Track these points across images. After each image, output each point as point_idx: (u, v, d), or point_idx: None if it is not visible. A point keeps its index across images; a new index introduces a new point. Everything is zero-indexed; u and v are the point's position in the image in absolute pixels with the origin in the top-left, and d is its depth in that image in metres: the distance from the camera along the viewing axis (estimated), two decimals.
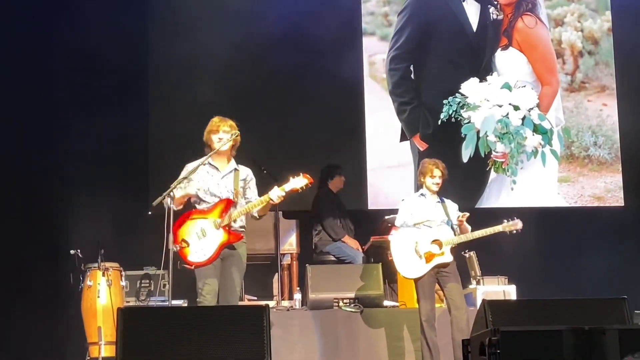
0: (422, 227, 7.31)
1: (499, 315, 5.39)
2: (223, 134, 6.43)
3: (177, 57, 9.93)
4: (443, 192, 7.71)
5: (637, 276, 9.50)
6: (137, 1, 10.01)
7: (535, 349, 4.68)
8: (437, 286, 7.38)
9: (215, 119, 6.52)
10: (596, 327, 4.68)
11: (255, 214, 6.51)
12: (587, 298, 6.17)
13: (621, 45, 10.77)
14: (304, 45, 10.07)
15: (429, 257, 7.21)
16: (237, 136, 6.50)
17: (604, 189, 10.56)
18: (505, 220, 7.28)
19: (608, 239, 9.94)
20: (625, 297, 5.42)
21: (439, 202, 7.43)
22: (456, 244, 7.27)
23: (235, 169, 6.56)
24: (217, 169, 6.49)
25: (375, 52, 10.64)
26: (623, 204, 10.51)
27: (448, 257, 7.20)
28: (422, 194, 7.45)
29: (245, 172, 6.62)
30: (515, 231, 7.29)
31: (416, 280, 7.30)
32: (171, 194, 6.25)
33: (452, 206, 7.49)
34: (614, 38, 10.81)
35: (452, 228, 7.31)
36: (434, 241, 7.22)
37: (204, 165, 6.47)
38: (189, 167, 6.49)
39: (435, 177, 7.36)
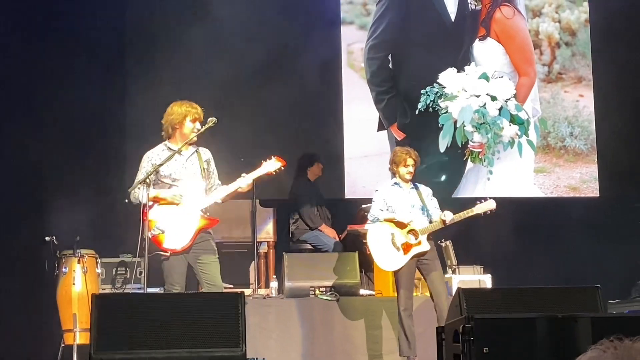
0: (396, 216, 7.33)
1: (473, 303, 5.41)
2: (199, 124, 6.39)
3: (156, 47, 9.85)
4: (417, 182, 7.73)
5: (611, 266, 9.55)
6: None
7: (508, 336, 4.70)
8: (418, 274, 7.39)
9: (186, 103, 6.44)
10: (569, 315, 4.71)
11: (219, 200, 6.45)
12: (561, 287, 6.21)
13: (598, 37, 10.81)
14: (282, 34, 10.06)
15: (407, 247, 7.20)
16: (214, 123, 6.46)
17: (580, 179, 10.61)
18: (479, 202, 7.31)
19: (583, 229, 9.98)
20: (599, 286, 5.45)
21: (412, 188, 7.43)
22: (432, 231, 7.27)
23: (197, 151, 6.50)
24: (179, 153, 6.40)
25: (354, 41, 10.63)
26: (598, 195, 10.57)
27: (425, 246, 7.20)
28: (395, 183, 7.45)
29: (207, 153, 6.57)
30: (489, 212, 7.29)
31: (395, 272, 7.31)
32: (142, 194, 6.21)
33: (426, 191, 7.50)
34: (591, 29, 10.84)
35: (428, 214, 7.31)
36: (410, 231, 7.22)
37: (164, 150, 6.41)
38: (149, 156, 6.43)
39: (408, 166, 7.37)
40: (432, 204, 7.43)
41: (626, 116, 10.49)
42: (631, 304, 9.02)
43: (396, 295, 7.33)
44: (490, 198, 7.37)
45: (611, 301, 8.92)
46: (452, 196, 10.06)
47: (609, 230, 9.92)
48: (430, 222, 7.26)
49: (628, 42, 10.61)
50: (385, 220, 7.33)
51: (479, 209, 7.27)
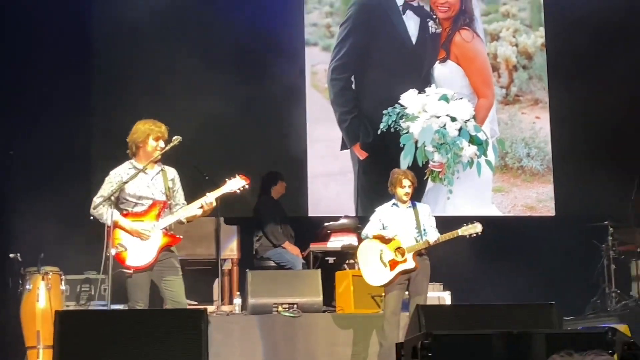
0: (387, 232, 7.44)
1: (432, 319, 5.44)
2: (163, 141, 6.36)
3: (120, 66, 9.81)
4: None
5: (567, 284, 9.64)
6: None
7: (465, 352, 4.72)
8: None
9: (149, 122, 6.42)
10: (524, 331, 4.74)
11: (184, 220, 6.41)
12: (517, 303, 6.25)
13: (554, 61, 10.93)
14: (247, 54, 10.06)
15: (393, 264, 7.34)
16: (179, 142, 6.44)
17: (536, 199, 10.69)
18: (465, 224, 7.38)
19: (539, 247, 10.07)
20: (553, 303, 5.49)
21: (409, 207, 7.52)
22: (418, 250, 7.33)
23: (162, 170, 6.47)
24: (144, 171, 6.36)
25: (318, 62, 10.66)
26: (554, 214, 10.66)
27: (411, 264, 7.29)
28: (394, 204, 7.57)
29: (172, 172, 6.53)
30: (475, 234, 7.38)
31: (385, 290, 7.42)
32: (108, 212, 6.17)
33: (423, 210, 7.61)
34: (547, 53, 10.97)
35: (423, 230, 7.39)
36: (397, 249, 7.32)
37: (130, 169, 6.36)
38: (116, 173, 6.39)
39: (404, 187, 7.48)
40: (429, 222, 7.54)
41: (581, 138, 10.60)
42: (585, 321, 9.10)
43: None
44: (476, 221, 7.45)
45: (566, 318, 8.99)
46: None
47: (564, 249, 10.00)
48: (417, 241, 7.34)
49: (582, 66, 10.73)
50: (374, 237, 7.43)
51: (464, 231, 7.37)
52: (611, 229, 9.76)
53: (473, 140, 10.48)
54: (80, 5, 9.77)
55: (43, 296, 7.53)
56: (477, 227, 7.40)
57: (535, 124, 10.85)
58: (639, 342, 5.61)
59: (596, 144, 10.51)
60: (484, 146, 10.53)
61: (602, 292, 9.73)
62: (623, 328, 7.05)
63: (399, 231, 7.42)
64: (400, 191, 7.47)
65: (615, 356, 5.29)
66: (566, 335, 5.32)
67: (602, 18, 10.38)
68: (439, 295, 8.54)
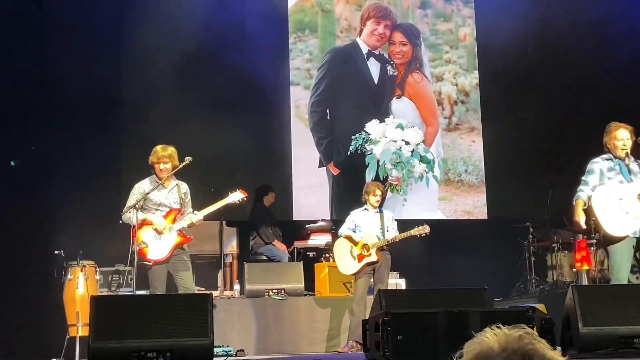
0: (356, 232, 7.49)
1: (390, 301, 5.43)
2: (163, 164, 6.37)
3: (145, 102, 9.69)
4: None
5: (497, 272, 9.64)
6: None
7: (417, 327, 4.71)
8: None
9: (158, 149, 6.43)
10: (463, 310, 4.74)
11: (196, 222, 6.43)
12: (458, 288, 6.24)
13: (485, 97, 10.96)
14: (245, 93, 10.03)
15: (360, 257, 7.36)
16: (190, 161, 6.44)
17: (472, 205, 10.70)
18: (417, 226, 7.40)
19: (475, 243, 10.05)
20: (486, 287, 5.49)
21: (377, 212, 7.53)
22: (379, 246, 7.34)
23: (177, 185, 6.49)
24: (163, 185, 6.40)
25: (300, 98, 10.63)
26: (487, 217, 10.67)
27: (374, 257, 7.34)
28: (365, 209, 7.58)
29: (185, 187, 6.56)
30: (424, 234, 7.41)
31: (354, 275, 7.44)
32: (132, 216, 6.15)
33: (388, 215, 7.65)
34: (480, 91, 11.00)
35: (386, 231, 7.41)
36: (364, 246, 7.32)
37: (152, 182, 6.42)
38: (139, 186, 6.41)
39: (376, 195, 7.54)
40: (392, 225, 7.57)
41: (508, 157, 10.63)
42: (511, 301, 9.11)
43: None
44: (427, 221, 7.51)
45: (496, 299, 8.99)
46: None
47: (495, 244, 10.02)
48: (379, 239, 7.34)
49: (507, 100, 10.75)
50: (345, 236, 7.46)
51: (416, 231, 7.41)
52: (531, 229, 9.77)
53: (423, 159, 10.49)
54: (113, 56, 9.69)
55: (81, 284, 7.43)
56: (426, 229, 7.42)
57: (472, 147, 10.87)
58: (553, 317, 5.63)
59: (519, 162, 10.53)
60: (431, 164, 10.54)
61: (525, 278, 9.74)
62: (541, 307, 7.05)
63: (368, 230, 7.42)
64: (372, 199, 7.51)
65: (535, 328, 5.28)
66: (496, 313, 5.33)
67: (522, 64, 10.46)
68: (396, 282, 8.52)
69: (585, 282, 8.87)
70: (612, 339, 4.96)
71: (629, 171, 5.98)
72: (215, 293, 8.22)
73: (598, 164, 6.05)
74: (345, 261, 7.43)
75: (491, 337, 1.69)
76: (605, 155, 6.10)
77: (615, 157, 6.03)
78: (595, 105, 10.33)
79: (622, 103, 9.69)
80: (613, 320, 5.03)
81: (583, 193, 5.98)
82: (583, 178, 6.07)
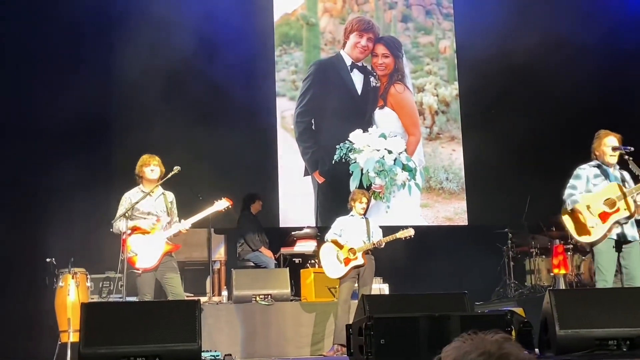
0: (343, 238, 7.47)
1: (374, 305, 5.42)
2: (153, 166, 6.38)
3: (135, 116, 9.63)
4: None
5: (476, 276, 9.66)
6: None
7: (399, 331, 4.72)
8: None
9: (145, 156, 6.46)
10: (443, 314, 4.74)
11: (184, 230, 6.40)
12: (439, 292, 6.24)
13: (465, 107, 11.02)
14: (230, 103, 10.01)
15: (347, 261, 7.35)
16: (178, 171, 6.43)
17: (453, 212, 10.74)
18: (401, 229, 7.40)
19: (456, 249, 10.09)
20: (466, 292, 5.50)
21: (363, 219, 7.52)
22: (366, 249, 7.34)
23: (163, 193, 6.48)
24: (149, 194, 6.38)
25: (286, 109, 10.64)
26: (467, 224, 10.71)
27: (360, 260, 7.33)
28: (352, 215, 7.58)
29: (171, 196, 6.56)
30: (409, 237, 7.42)
31: (340, 282, 7.41)
32: (122, 225, 6.12)
33: (373, 223, 7.65)
34: (460, 101, 11.06)
35: (372, 236, 7.41)
36: (350, 249, 7.31)
37: (138, 192, 6.40)
38: (127, 196, 6.41)
39: (362, 202, 7.52)
40: (377, 232, 7.56)
41: (487, 166, 10.66)
42: (491, 305, 9.13)
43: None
44: (410, 227, 7.50)
45: (477, 303, 9.01)
46: None
47: (475, 250, 10.03)
48: (365, 243, 7.35)
49: (486, 111, 10.82)
50: (332, 241, 7.46)
51: (401, 234, 7.42)
52: (510, 235, 9.83)
53: (405, 168, 10.52)
54: (104, 70, 9.66)
55: (73, 291, 7.40)
56: (411, 231, 7.43)
57: (452, 155, 10.92)
58: (532, 320, 5.66)
59: (498, 170, 10.57)
60: (413, 172, 10.57)
61: (504, 283, 9.78)
62: (519, 310, 7.09)
63: (354, 236, 7.42)
64: (358, 206, 7.51)
65: (513, 332, 5.31)
66: (476, 317, 5.34)
67: (501, 75, 10.52)
68: (380, 287, 8.53)
69: (562, 286, 8.92)
70: (588, 341, 4.98)
71: (615, 179, 6.01)
72: (203, 299, 8.20)
73: (584, 171, 6.07)
74: (332, 265, 7.41)
75: (468, 341, 1.70)
76: (592, 162, 6.10)
77: (603, 164, 6.04)
78: (571, 116, 10.42)
79: (597, 114, 9.77)
80: (589, 323, 5.05)
81: (576, 197, 5.97)
82: (571, 183, 6.04)
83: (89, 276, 7.75)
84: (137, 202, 6.25)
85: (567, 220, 6.04)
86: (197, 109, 9.83)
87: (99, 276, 8.13)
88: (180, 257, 6.71)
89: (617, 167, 6.08)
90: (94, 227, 8.47)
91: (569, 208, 5.94)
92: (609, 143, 6.02)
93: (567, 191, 6.02)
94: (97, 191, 9.14)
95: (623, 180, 6.02)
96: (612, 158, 6.00)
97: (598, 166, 6.06)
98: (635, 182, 5.92)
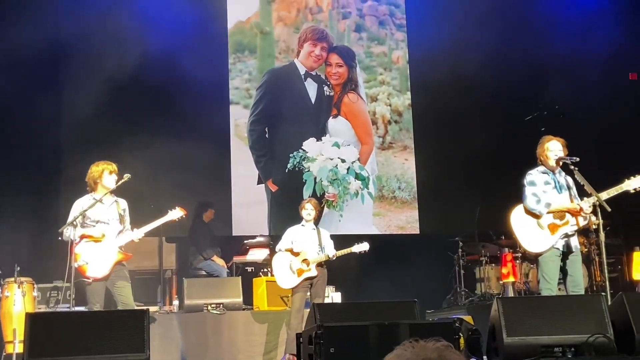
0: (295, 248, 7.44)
1: (325, 314, 5.40)
2: (115, 175, 6.29)
3: (84, 104, 9.46)
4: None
5: (428, 285, 9.74)
6: None
7: (349, 339, 4.72)
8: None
9: (103, 162, 6.36)
10: (393, 322, 4.77)
11: (136, 240, 6.36)
12: (389, 301, 6.27)
13: (418, 117, 11.13)
14: (184, 113, 9.94)
15: (300, 272, 7.33)
16: (129, 178, 6.36)
17: (405, 221, 10.83)
18: (356, 243, 7.43)
19: (408, 257, 10.15)
20: (416, 300, 5.53)
21: (314, 229, 7.54)
22: (319, 261, 7.34)
23: (116, 201, 6.39)
24: (101, 201, 6.28)
25: (240, 117, 10.61)
26: (419, 232, 10.80)
27: (314, 272, 7.33)
28: (302, 225, 7.56)
29: (124, 203, 6.47)
30: (364, 251, 7.44)
31: (293, 292, 7.39)
32: (73, 233, 6.01)
33: (324, 232, 7.65)
34: (412, 111, 11.17)
35: (323, 249, 7.38)
36: (304, 260, 7.31)
37: (90, 200, 6.29)
38: (78, 203, 6.29)
39: (307, 209, 7.52)
40: (329, 243, 7.54)
41: (438, 175, 10.79)
42: (441, 313, 9.22)
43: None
44: (363, 237, 7.53)
45: (428, 311, 9.09)
46: None
47: (427, 258, 10.12)
48: (319, 254, 7.36)
49: (438, 121, 10.94)
50: (286, 250, 7.42)
51: (356, 248, 7.45)
52: (461, 243, 9.94)
53: (358, 176, 10.58)
54: (52, 78, 9.49)
55: (19, 301, 7.23)
56: (366, 246, 7.48)
57: (404, 165, 11.02)
58: (481, 328, 5.73)
59: (449, 180, 10.68)
60: (366, 181, 10.64)
61: (455, 291, 9.87)
62: (468, 318, 7.17)
63: (305, 246, 7.42)
64: (303, 212, 7.53)
65: (462, 339, 5.37)
66: (424, 325, 5.39)
67: (452, 86, 10.66)
68: (332, 295, 8.54)
69: (511, 293, 9.06)
70: (535, 348, 5.06)
71: (562, 186, 6.14)
72: (154, 308, 8.09)
73: (535, 176, 6.16)
74: (285, 275, 7.40)
75: (409, 349, 1.72)
76: (540, 168, 6.20)
77: (549, 169, 6.16)
78: (520, 126, 10.62)
79: (545, 124, 9.97)
80: (535, 330, 5.13)
81: (541, 201, 6.04)
82: (531, 190, 6.07)
83: (35, 285, 7.58)
84: (87, 210, 6.15)
85: (517, 229, 6.14)
86: (149, 117, 9.73)
87: (46, 285, 7.95)
88: (130, 266, 6.61)
89: (562, 172, 6.22)
90: (41, 235, 8.32)
91: (543, 212, 6.01)
92: (552, 148, 6.15)
93: (531, 199, 6.06)
94: (44, 198, 8.99)
95: (568, 187, 6.16)
96: (554, 161, 6.12)
97: (545, 172, 6.18)
98: (581, 189, 6.08)
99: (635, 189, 5.97)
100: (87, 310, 6.12)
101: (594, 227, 6.09)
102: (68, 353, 4.82)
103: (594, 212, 5.98)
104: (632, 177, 5.99)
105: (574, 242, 6.08)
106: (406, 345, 1.77)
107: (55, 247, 7.46)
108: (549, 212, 6.03)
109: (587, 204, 5.94)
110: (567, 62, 10.53)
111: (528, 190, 6.11)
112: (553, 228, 6.01)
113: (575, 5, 11.02)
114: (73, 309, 6.42)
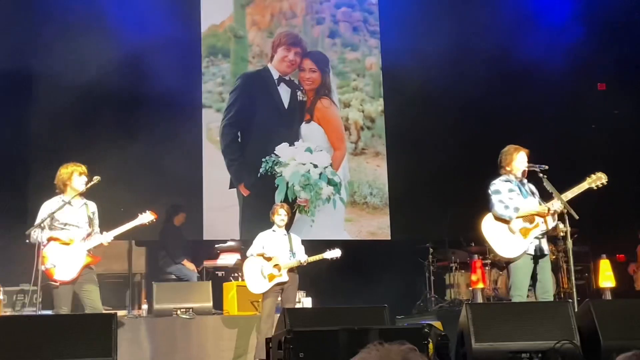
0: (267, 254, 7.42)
1: (295, 319, 5.41)
2: (84, 176, 6.23)
3: (54, 106, 9.36)
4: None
5: (398, 290, 9.57)
6: None
7: (319, 344, 4.73)
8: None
9: (73, 164, 6.28)
10: (363, 327, 4.78)
11: (106, 243, 6.28)
12: (359, 306, 6.28)
13: (390, 124, 11.17)
14: (155, 114, 9.87)
15: (271, 277, 7.33)
16: (98, 181, 6.29)
17: (377, 226, 10.86)
18: (328, 249, 7.43)
19: (379, 263, 10.18)
20: (386, 305, 5.55)
21: (285, 235, 7.52)
22: (291, 267, 7.32)
23: (85, 204, 6.32)
24: (70, 203, 6.20)
25: (212, 121, 10.56)
26: (390, 238, 10.83)
27: (285, 277, 7.33)
28: (273, 230, 7.56)
29: (93, 206, 6.40)
30: (336, 258, 7.45)
31: (263, 297, 7.37)
32: (41, 235, 5.93)
33: (295, 238, 7.65)
34: (385, 118, 11.22)
35: (294, 254, 7.37)
36: (275, 265, 7.31)
37: (59, 201, 6.20)
38: (46, 205, 6.20)
39: (280, 214, 7.51)
40: (300, 248, 7.54)
41: (410, 181, 10.80)
42: (411, 318, 9.25)
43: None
44: (335, 242, 7.53)
45: (398, 316, 9.11)
46: None
47: (397, 264, 10.15)
48: (290, 260, 7.34)
49: (410, 127, 10.96)
50: (258, 255, 7.40)
51: (328, 255, 7.45)
52: (431, 249, 10.00)
53: (330, 182, 10.60)
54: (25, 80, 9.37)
55: None
56: (338, 252, 7.49)
57: (376, 171, 11.05)
58: (450, 334, 5.77)
59: (421, 186, 10.70)
60: (338, 187, 10.66)
61: (425, 297, 9.93)
62: (437, 324, 7.20)
63: (277, 252, 7.41)
64: (276, 218, 7.52)
65: (431, 345, 5.40)
66: (394, 330, 5.40)
67: (424, 92, 10.72)
68: (302, 300, 8.53)
69: (480, 299, 9.13)
70: (502, 354, 5.11)
71: (527, 192, 6.22)
72: (122, 313, 8.01)
73: (499, 185, 6.24)
74: (255, 280, 7.39)
75: (373, 352, 1.73)
76: (502, 177, 6.28)
77: (515, 178, 6.24)
78: (492, 132, 10.70)
79: (517, 131, 10.07)
80: (503, 336, 5.19)
81: (510, 207, 6.10)
82: (498, 198, 6.15)
83: (2, 288, 7.48)
84: (55, 212, 6.07)
85: (489, 237, 6.20)
86: (120, 120, 9.65)
87: (12, 289, 7.84)
88: (99, 270, 6.54)
89: (525, 180, 6.31)
90: (7, 238, 8.18)
91: (513, 217, 6.08)
92: (520, 159, 6.25)
93: (499, 206, 6.14)
94: (11, 200, 8.85)
95: (532, 194, 6.26)
96: (521, 172, 6.23)
97: (508, 181, 6.26)
98: (543, 196, 6.18)
99: (597, 186, 6.08)
100: (54, 313, 6.03)
101: (561, 234, 6.18)
102: (32, 357, 4.76)
103: (562, 220, 6.07)
104: (592, 175, 6.10)
105: (544, 244, 6.17)
106: (371, 349, 1.78)
107: (22, 250, 7.35)
108: (518, 217, 6.10)
109: (556, 204, 6.02)
110: (535, 72, 10.66)
111: (495, 198, 6.19)
112: (525, 232, 6.09)
113: (544, 15, 11.17)
114: (39, 313, 6.34)
